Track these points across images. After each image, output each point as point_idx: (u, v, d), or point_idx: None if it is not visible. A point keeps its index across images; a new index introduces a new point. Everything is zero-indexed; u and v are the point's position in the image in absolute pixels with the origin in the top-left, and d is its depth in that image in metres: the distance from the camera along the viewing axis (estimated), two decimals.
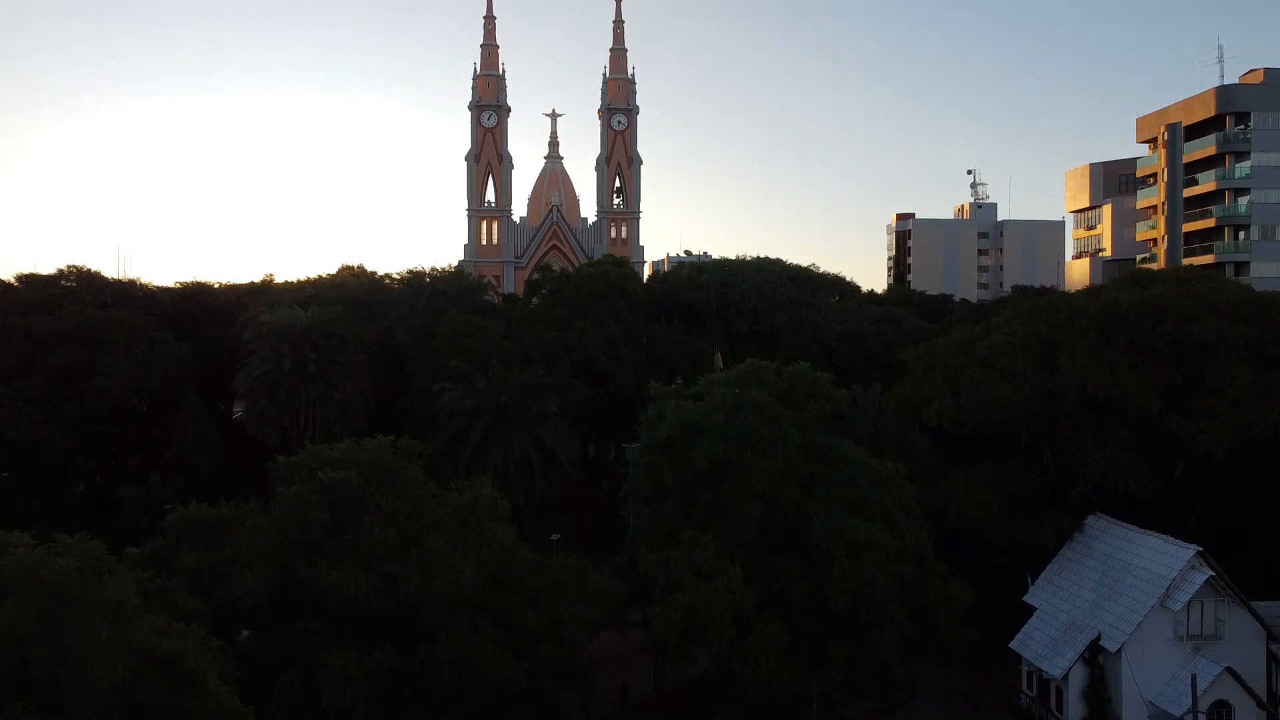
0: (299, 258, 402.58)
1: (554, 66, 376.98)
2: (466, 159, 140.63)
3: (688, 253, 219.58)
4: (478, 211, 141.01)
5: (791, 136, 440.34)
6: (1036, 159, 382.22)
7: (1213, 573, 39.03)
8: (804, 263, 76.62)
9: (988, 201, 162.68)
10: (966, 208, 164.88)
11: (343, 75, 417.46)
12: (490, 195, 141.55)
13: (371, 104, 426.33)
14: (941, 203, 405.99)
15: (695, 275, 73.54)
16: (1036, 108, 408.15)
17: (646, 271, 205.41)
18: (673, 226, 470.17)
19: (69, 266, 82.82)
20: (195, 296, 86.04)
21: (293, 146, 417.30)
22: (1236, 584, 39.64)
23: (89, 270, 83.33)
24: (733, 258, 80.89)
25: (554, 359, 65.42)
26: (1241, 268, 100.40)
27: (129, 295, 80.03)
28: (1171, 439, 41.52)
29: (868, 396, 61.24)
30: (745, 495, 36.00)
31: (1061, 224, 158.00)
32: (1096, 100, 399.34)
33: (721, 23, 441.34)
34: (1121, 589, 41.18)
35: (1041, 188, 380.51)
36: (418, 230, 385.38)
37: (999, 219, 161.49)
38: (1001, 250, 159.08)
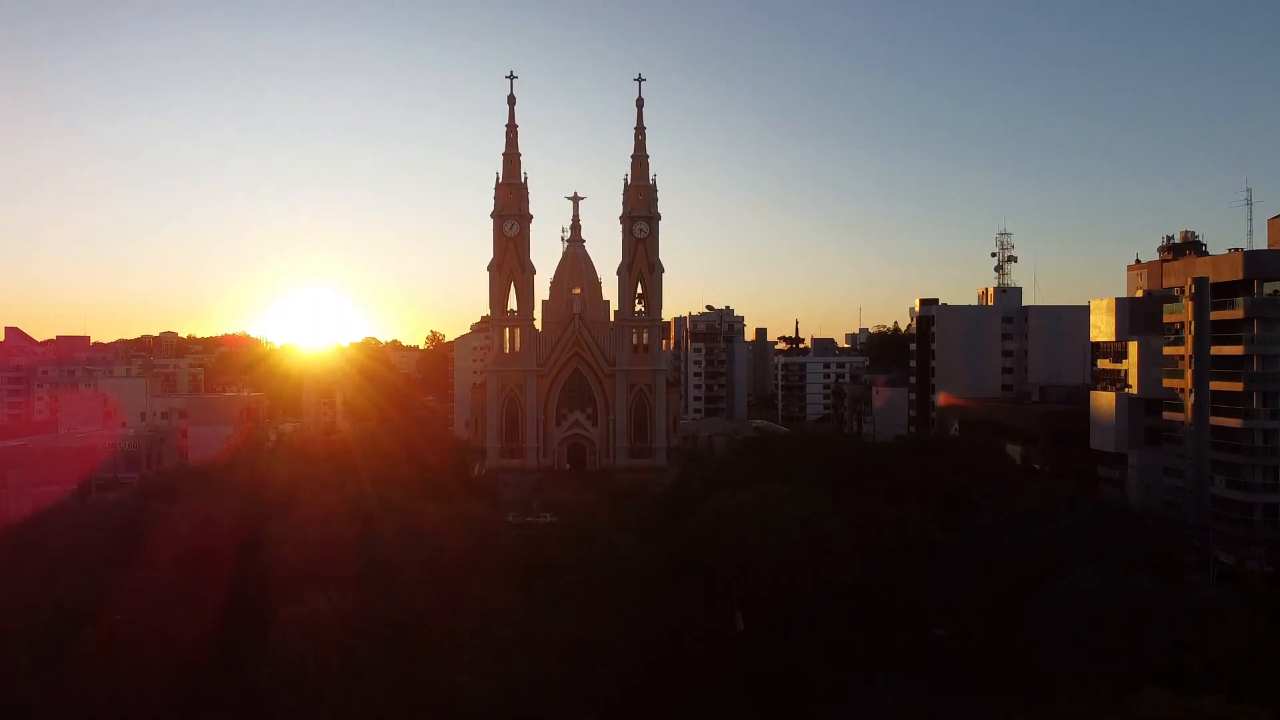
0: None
1: (576, 146, 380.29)
2: (489, 268, 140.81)
3: (710, 308, 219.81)
4: (501, 320, 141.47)
5: (823, 209, 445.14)
6: (1063, 250, 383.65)
7: None
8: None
9: (1012, 286, 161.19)
10: (991, 291, 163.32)
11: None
12: (513, 303, 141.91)
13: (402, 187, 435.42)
14: (965, 283, 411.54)
15: (714, 534, 73.51)
16: (1068, 197, 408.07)
17: (668, 328, 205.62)
18: (696, 279, 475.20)
19: None
20: None
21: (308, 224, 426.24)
22: None
23: None
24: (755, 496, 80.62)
25: (574, 649, 66.47)
26: (1270, 434, 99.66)
27: None
28: None
29: (887, 687, 59.21)
30: None
31: (1087, 309, 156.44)
32: (1131, 193, 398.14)
33: (760, 67, 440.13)
34: None
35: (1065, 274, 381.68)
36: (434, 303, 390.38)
37: (1024, 304, 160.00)
38: (1026, 336, 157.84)
